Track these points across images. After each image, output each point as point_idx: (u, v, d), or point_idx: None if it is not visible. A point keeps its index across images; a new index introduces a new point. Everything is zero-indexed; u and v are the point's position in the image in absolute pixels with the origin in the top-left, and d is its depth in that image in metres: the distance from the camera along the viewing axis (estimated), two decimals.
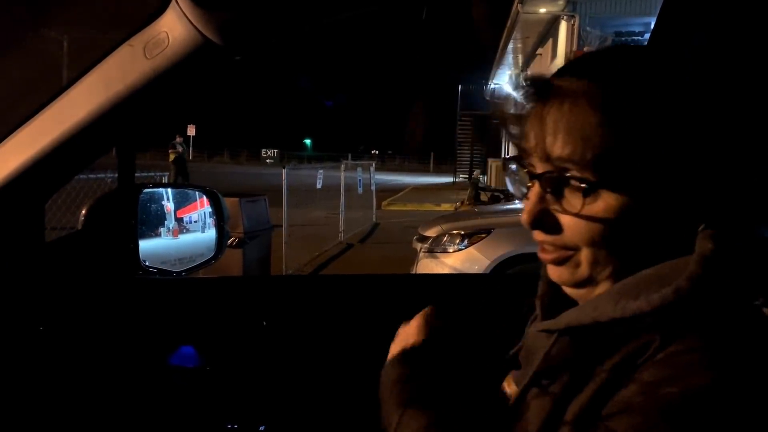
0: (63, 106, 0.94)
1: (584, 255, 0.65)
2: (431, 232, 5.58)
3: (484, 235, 5.33)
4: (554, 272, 0.69)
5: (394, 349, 0.89)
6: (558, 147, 0.62)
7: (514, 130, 0.69)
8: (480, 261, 5.21)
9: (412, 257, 5.81)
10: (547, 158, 0.63)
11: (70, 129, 0.94)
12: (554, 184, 0.64)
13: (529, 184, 0.67)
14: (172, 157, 17.77)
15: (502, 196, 14.58)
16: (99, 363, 1.24)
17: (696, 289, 0.58)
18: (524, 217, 0.67)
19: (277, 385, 1.36)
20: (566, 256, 0.66)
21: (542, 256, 0.69)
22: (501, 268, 5.16)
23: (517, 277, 2.40)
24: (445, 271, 5.24)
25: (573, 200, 0.63)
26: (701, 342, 0.56)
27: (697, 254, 0.60)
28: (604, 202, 0.62)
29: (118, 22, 0.91)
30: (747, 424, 0.52)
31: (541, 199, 0.65)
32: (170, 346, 1.31)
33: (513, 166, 0.71)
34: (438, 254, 5.42)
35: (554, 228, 0.66)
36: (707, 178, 0.62)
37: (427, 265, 5.43)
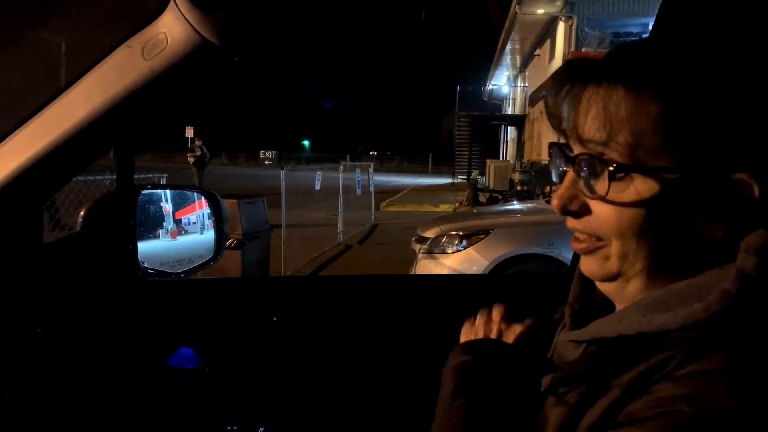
0: (61, 108, 0.94)
1: (614, 247, 0.63)
2: (430, 233, 5.58)
3: (482, 236, 5.33)
4: (585, 264, 0.68)
5: (464, 337, 0.90)
6: (592, 129, 0.60)
7: (556, 112, 0.66)
8: (479, 262, 5.22)
9: (411, 258, 5.82)
10: (581, 141, 0.62)
11: (68, 130, 0.94)
12: (587, 167, 0.62)
13: (565, 168, 0.66)
14: (191, 159, 17.60)
15: (500, 197, 14.60)
16: (98, 365, 1.23)
17: (729, 309, 0.55)
18: (554, 202, 0.65)
19: (276, 386, 1.36)
20: (597, 246, 0.64)
21: (574, 245, 0.67)
22: (500, 268, 5.16)
23: (516, 277, 2.40)
24: (444, 271, 5.24)
25: (603, 185, 0.60)
26: (727, 364, 0.53)
27: (736, 269, 0.56)
28: (635, 190, 0.59)
29: (116, 23, 0.90)
30: None
31: (573, 183, 0.64)
32: (169, 347, 1.31)
33: (553, 151, 0.69)
34: (437, 255, 5.42)
35: (584, 214, 0.64)
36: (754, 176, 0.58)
37: (426, 266, 5.43)
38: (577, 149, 0.63)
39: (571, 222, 0.66)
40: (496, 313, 0.90)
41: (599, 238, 0.64)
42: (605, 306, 0.71)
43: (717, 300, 0.55)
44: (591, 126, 0.60)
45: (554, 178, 0.69)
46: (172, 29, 0.86)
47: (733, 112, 0.58)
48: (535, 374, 0.74)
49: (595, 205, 0.63)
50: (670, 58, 0.61)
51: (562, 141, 0.68)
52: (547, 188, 13.61)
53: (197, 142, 17.81)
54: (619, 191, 0.60)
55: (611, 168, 0.59)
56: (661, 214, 0.59)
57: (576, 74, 0.64)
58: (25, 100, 0.97)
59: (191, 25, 0.84)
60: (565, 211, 0.65)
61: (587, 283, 0.74)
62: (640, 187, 0.59)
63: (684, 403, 0.51)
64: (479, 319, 0.91)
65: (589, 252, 0.66)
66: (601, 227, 0.63)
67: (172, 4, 0.84)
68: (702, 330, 0.55)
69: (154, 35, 0.87)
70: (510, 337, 0.85)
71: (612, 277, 0.65)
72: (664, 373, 0.56)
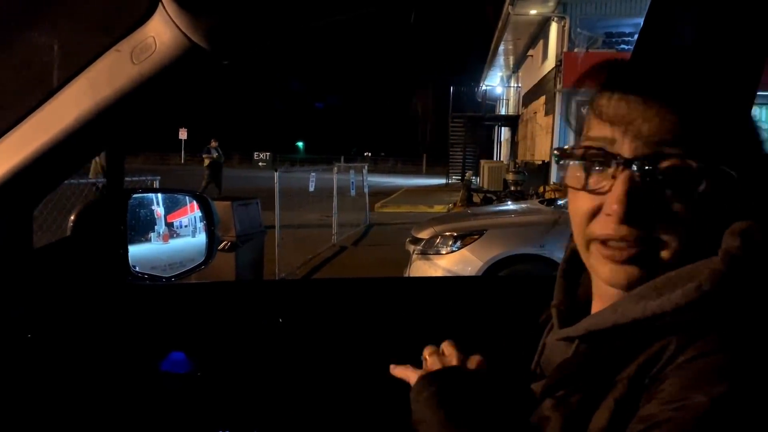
0: (50, 112, 0.93)
1: (667, 252, 0.61)
2: (424, 234, 5.58)
3: (476, 237, 5.34)
4: (621, 273, 0.63)
5: (417, 375, 0.81)
6: (673, 129, 0.59)
7: (596, 110, 0.64)
8: (473, 262, 5.22)
9: (406, 259, 5.82)
10: (649, 142, 0.59)
11: (57, 134, 0.93)
12: (657, 168, 0.59)
13: (617, 170, 0.61)
14: (206, 162, 16.98)
15: (494, 198, 14.63)
16: (89, 370, 1.23)
17: (719, 288, 0.56)
18: (617, 208, 0.59)
19: (269, 390, 1.35)
20: (643, 252, 0.61)
21: (608, 253, 0.62)
22: (494, 269, 5.17)
23: (510, 279, 2.41)
24: (438, 272, 5.24)
25: (677, 188, 0.59)
26: (719, 344, 0.54)
27: (722, 251, 0.58)
28: (705, 193, 0.59)
29: (104, 27, 0.90)
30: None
31: (637, 186, 0.60)
32: (161, 352, 1.30)
33: (583, 153, 0.64)
34: (431, 256, 5.42)
35: (647, 220, 0.60)
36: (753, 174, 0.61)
37: (420, 267, 5.43)
38: (632, 151, 0.60)
39: (620, 230, 0.61)
40: (449, 347, 0.84)
41: (646, 244, 0.61)
42: (589, 305, 0.71)
43: (707, 278, 0.56)
44: (673, 125, 0.59)
45: (576, 182, 0.65)
46: (160, 33, 0.85)
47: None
48: (522, 381, 0.74)
49: (665, 209, 0.60)
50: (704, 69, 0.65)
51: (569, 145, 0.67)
52: (541, 188, 13.64)
53: (213, 143, 17.05)
54: (695, 193, 0.59)
55: (695, 168, 0.58)
56: (718, 210, 0.60)
57: (638, 75, 0.63)
58: (14, 103, 0.96)
59: (180, 29, 0.84)
60: (631, 218, 0.60)
61: (571, 284, 0.74)
62: (710, 189, 0.59)
63: (698, 393, 0.51)
64: (431, 356, 0.84)
65: (633, 260, 0.62)
66: (668, 232, 0.60)
67: (160, 8, 0.84)
68: (696, 311, 0.56)
69: (142, 39, 0.86)
70: (472, 364, 0.79)
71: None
72: (664, 363, 0.56)
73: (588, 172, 0.64)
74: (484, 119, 30.69)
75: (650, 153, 0.59)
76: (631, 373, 0.57)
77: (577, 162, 0.65)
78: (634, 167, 0.60)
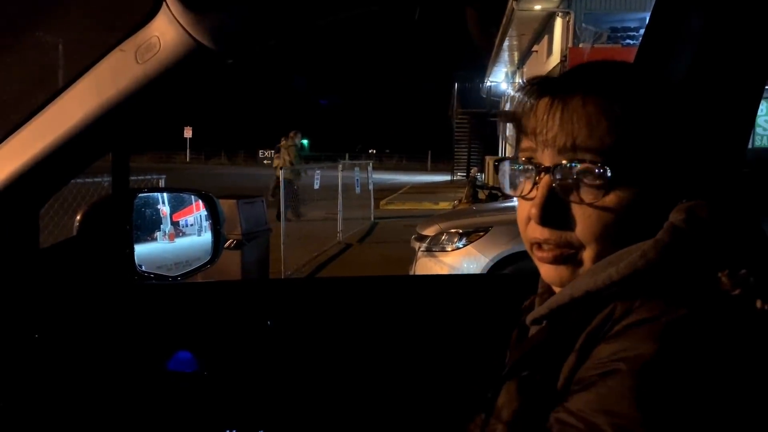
0: (55, 112, 0.93)
1: (589, 251, 0.66)
2: (429, 231, 5.57)
3: (482, 234, 5.32)
4: (552, 273, 0.69)
5: None
6: (579, 138, 0.64)
7: (519, 123, 0.70)
8: (478, 259, 5.21)
9: (411, 256, 5.81)
10: (564, 150, 0.65)
11: (62, 134, 0.94)
12: (568, 176, 0.65)
13: (537, 178, 0.67)
14: (277, 162, 15.92)
15: (499, 194, 14.58)
16: (96, 370, 1.23)
17: (664, 258, 0.59)
18: (534, 212, 0.66)
19: (275, 390, 1.35)
20: (568, 253, 0.67)
21: (540, 255, 0.69)
22: (499, 265, 5.16)
23: (516, 276, 2.40)
24: (444, 269, 5.24)
25: (589, 192, 0.64)
26: (654, 313, 0.56)
27: (667, 223, 0.62)
28: (617, 195, 0.64)
29: (109, 26, 0.90)
30: (692, 395, 0.52)
31: (552, 192, 0.66)
32: (167, 351, 1.30)
33: (511, 164, 0.72)
34: (436, 253, 5.42)
35: (562, 223, 0.66)
36: (693, 167, 0.67)
37: (426, 264, 5.42)
38: (552, 159, 0.66)
39: (544, 233, 0.67)
40: None
41: (570, 246, 0.66)
42: None
43: (651, 247, 0.60)
44: (575, 135, 0.64)
45: (515, 192, 0.71)
46: (164, 32, 0.85)
47: (681, 122, 0.67)
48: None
49: (579, 212, 0.65)
50: (637, 74, 0.70)
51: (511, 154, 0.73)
52: None
53: (283, 142, 16.74)
54: (604, 195, 0.64)
55: (601, 175, 0.63)
56: (636, 213, 0.65)
57: (551, 88, 0.68)
58: (19, 103, 0.96)
59: (184, 29, 0.84)
60: (546, 220, 0.66)
61: None
62: (621, 191, 0.64)
63: (621, 361, 0.54)
64: None
65: (559, 260, 0.68)
66: (582, 233, 0.66)
67: (164, 7, 0.84)
68: (642, 280, 0.59)
69: (146, 39, 0.86)
70: None
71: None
72: (608, 328, 0.58)
73: (519, 180, 0.71)
74: (488, 115, 30.62)
75: (565, 160, 0.65)
76: (582, 342, 0.60)
77: (510, 171, 0.72)
78: (551, 174, 0.66)
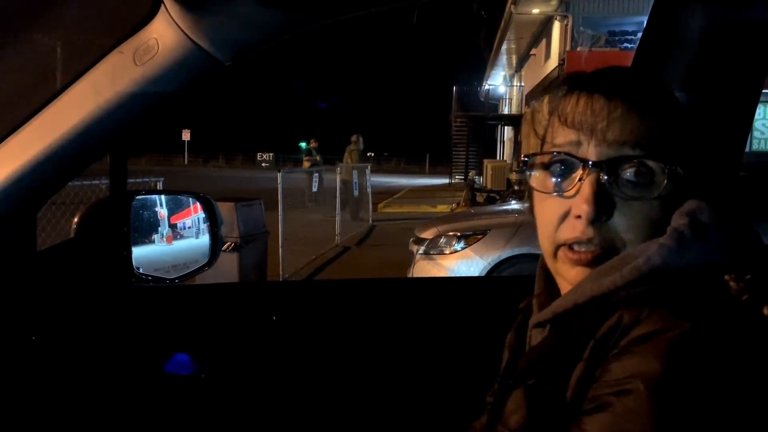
0: (53, 114, 0.93)
1: (633, 247, 0.63)
2: (427, 234, 5.57)
3: (480, 236, 5.32)
4: (585, 275, 0.65)
5: None
6: (633, 132, 0.63)
7: (558, 113, 0.67)
8: (476, 262, 5.21)
9: (409, 259, 5.81)
10: (615, 143, 0.63)
11: (60, 136, 0.93)
12: (621, 170, 0.63)
13: (583, 173, 0.64)
14: (306, 165, 15.85)
15: (497, 197, 14.59)
16: (93, 372, 1.23)
17: (668, 262, 0.59)
18: (587, 208, 0.63)
19: (274, 392, 1.35)
20: (605, 253, 0.64)
21: (577, 256, 0.65)
22: (497, 268, 5.16)
23: (513, 279, 2.40)
24: (442, 272, 5.23)
25: (642, 188, 0.63)
26: (662, 324, 0.55)
27: (670, 228, 0.61)
28: (665, 193, 0.63)
29: (107, 28, 0.90)
30: (708, 410, 0.51)
31: (603, 187, 0.63)
32: (165, 353, 1.30)
33: (546, 159, 0.68)
34: (434, 256, 5.41)
35: (611, 220, 0.64)
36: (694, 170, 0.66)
37: (424, 267, 5.42)
38: (598, 154, 0.64)
39: (588, 231, 0.64)
40: None
41: (611, 244, 0.64)
42: None
43: (655, 252, 0.59)
44: (633, 128, 0.63)
45: (542, 187, 0.68)
46: (163, 35, 0.85)
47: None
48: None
49: (629, 209, 0.64)
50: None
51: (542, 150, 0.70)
52: None
53: (313, 144, 15.94)
54: (659, 189, 0.63)
55: (662, 168, 0.62)
56: (671, 208, 0.63)
57: (598, 84, 0.66)
58: (17, 105, 0.96)
59: (182, 31, 0.84)
60: (598, 218, 0.63)
61: (551, 275, 0.75)
62: (668, 189, 0.63)
63: (635, 380, 0.53)
64: None
65: (599, 261, 0.64)
66: (631, 231, 0.64)
67: (163, 9, 0.84)
68: (645, 285, 0.58)
69: (145, 41, 0.86)
70: None
71: None
72: (617, 337, 0.57)
73: (556, 176, 0.67)
74: (487, 119, 30.66)
75: (615, 156, 0.63)
76: (590, 351, 0.59)
77: (544, 168, 0.68)
78: (601, 169, 0.63)
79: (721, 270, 0.59)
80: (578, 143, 0.65)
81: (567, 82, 0.68)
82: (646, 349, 0.54)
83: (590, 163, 0.64)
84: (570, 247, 0.66)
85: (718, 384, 0.52)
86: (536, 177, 0.69)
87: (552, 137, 0.68)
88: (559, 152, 0.66)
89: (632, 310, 0.57)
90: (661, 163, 0.62)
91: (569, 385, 0.60)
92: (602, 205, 0.63)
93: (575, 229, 0.65)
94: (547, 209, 0.68)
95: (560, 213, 0.66)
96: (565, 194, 0.65)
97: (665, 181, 0.63)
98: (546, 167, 0.68)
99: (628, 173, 0.63)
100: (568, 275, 0.67)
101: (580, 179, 0.64)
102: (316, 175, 10.38)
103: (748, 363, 0.53)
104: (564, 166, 0.66)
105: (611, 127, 0.63)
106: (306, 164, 15.91)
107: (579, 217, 0.64)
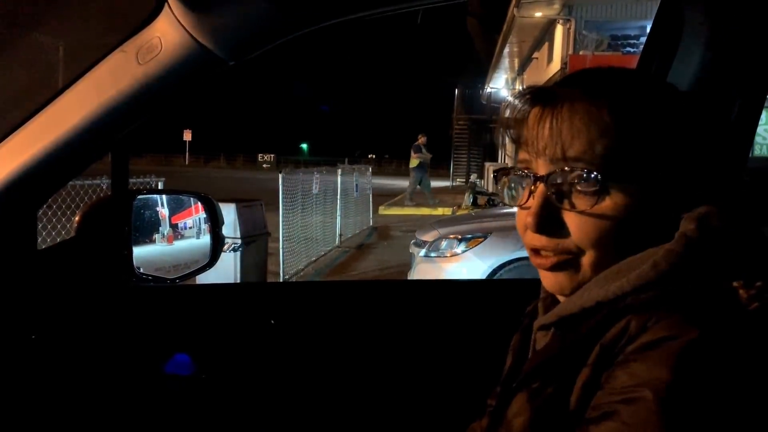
0: (55, 112, 0.93)
1: (588, 258, 0.65)
2: (428, 237, 5.57)
3: (481, 239, 5.32)
4: (551, 279, 0.69)
5: None
6: (569, 147, 0.64)
7: (514, 134, 0.71)
8: (477, 265, 5.20)
9: (410, 261, 5.80)
10: (555, 159, 0.65)
11: (62, 135, 0.93)
12: (562, 184, 0.65)
13: (532, 187, 0.67)
14: (415, 162, 15.53)
15: (499, 200, 14.58)
16: (93, 372, 1.22)
17: (676, 268, 0.59)
18: (530, 220, 0.66)
19: (274, 393, 1.35)
20: (566, 260, 0.66)
21: (539, 261, 0.69)
22: (498, 271, 5.15)
23: (515, 282, 2.40)
24: (442, 275, 5.23)
25: (583, 199, 0.64)
26: (670, 332, 0.54)
27: (678, 233, 0.61)
28: (612, 201, 0.64)
29: (110, 27, 0.90)
30: (717, 418, 0.50)
31: (547, 200, 0.66)
32: (165, 354, 1.30)
33: (508, 174, 0.73)
34: (435, 258, 5.41)
35: (559, 230, 0.66)
36: (699, 173, 0.66)
37: (425, 270, 5.42)
38: (546, 168, 0.66)
39: (540, 240, 0.67)
40: None
41: (568, 252, 0.66)
42: None
43: (662, 257, 0.59)
44: (568, 144, 0.64)
45: (512, 202, 0.73)
46: (166, 34, 0.85)
47: (681, 128, 0.66)
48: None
49: (574, 219, 0.65)
50: (633, 81, 0.69)
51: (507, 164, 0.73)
52: None
53: (421, 139, 15.28)
54: (599, 202, 0.64)
55: (594, 182, 0.63)
56: (635, 219, 0.64)
57: (545, 97, 0.67)
58: (19, 104, 0.96)
59: (186, 30, 0.84)
60: (542, 228, 0.66)
61: None
62: (617, 197, 0.64)
63: (643, 388, 0.52)
64: None
65: (557, 267, 0.67)
66: (579, 240, 0.65)
67: (166, 8, 0.84)
68: (653, 291, 0.58)
69: (148, 40, 0.86)
70: None
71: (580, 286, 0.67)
72: (624, 343, 0.57)
73: (511, 190, 0.73)
74: (488, 122, 30.66)
75: (558, 169, 0.65)
76: (596, 356, 0.59)
77: (508, 181, 0.74)
78: (544, 182, 0.66)
79: (730, 276, 0.59)
80: (529, 160, 0.69)
81: (517, 97, 0.71)
82: (653, 357, 0.54)
83: (537, 176, 0.67)
84: (536, 252, 0.69)
85: (727, 392, 0.51)
86: (506, 190, 0.75)
87: (517, 153, 0.72)
88: (514, 168, 0.71)
89: (639, 316, 0.57)
90: (598, 173, 0.63)
91: (574, 389, 0.60)
92: (545, 217, 0.66)
93: (532, 237, 0.68)
94: (519, 218, 0.72)
95: (525, 222, 0.69)
96: (524, 206, 0.69)
97: (600, 193, 0.63)
98: (510, 181, 0.74)
99: (567, 185, 0.65)
100: (541, 278, 0.71)
101: (531, 192, 0.68)
102: (317, 176, 10.35)
103: (758, 371, 0.53)
104: (519, 179, 0.71)
105: (550, 143, 0.65)
106: (414, 162, 15.53)
107: (527, 227, 0.68)
